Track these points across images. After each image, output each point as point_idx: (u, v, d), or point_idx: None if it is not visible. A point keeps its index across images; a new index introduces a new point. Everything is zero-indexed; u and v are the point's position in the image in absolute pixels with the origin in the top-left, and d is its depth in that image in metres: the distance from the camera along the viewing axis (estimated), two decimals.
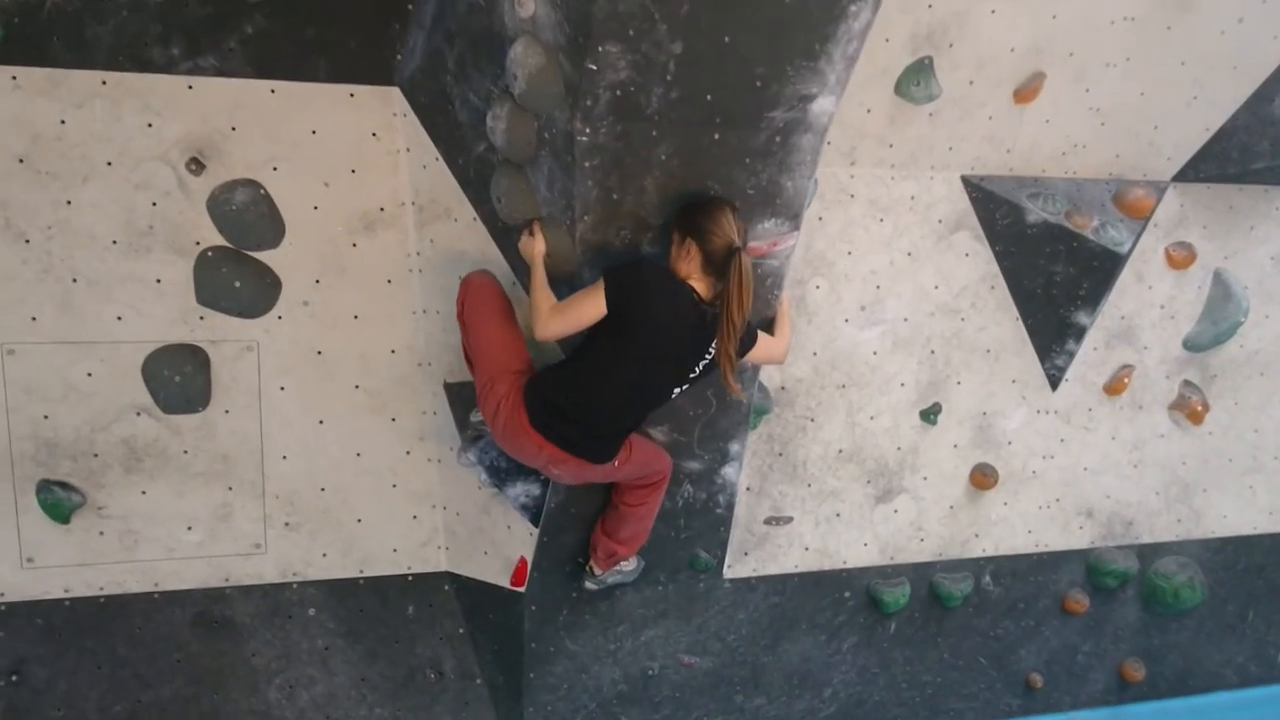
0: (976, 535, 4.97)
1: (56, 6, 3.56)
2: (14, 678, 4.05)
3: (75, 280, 3.82)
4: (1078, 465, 5.07)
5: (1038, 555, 5.10)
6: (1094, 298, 4.68)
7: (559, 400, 3.41)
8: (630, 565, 4.15)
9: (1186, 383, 5.15)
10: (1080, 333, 4.77)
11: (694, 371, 3.42)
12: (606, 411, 3.45)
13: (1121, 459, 5.14)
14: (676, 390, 3.47)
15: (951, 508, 4.89)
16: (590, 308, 3.27)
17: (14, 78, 3.60)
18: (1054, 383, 4.89)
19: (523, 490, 4.05)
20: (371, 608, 4.42)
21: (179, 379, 3.97)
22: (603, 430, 3.50)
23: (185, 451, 4.08)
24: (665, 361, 3.37)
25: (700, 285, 3.31)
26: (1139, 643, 5.45)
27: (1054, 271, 4.63)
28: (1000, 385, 4.83)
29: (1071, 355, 4.82)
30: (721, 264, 3.23)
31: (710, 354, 3.38)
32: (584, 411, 3.41)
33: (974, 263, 4.64)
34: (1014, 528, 5.03)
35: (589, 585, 4.12)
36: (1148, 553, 5.30)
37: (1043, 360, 4.85)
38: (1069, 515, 5.12)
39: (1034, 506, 5.04)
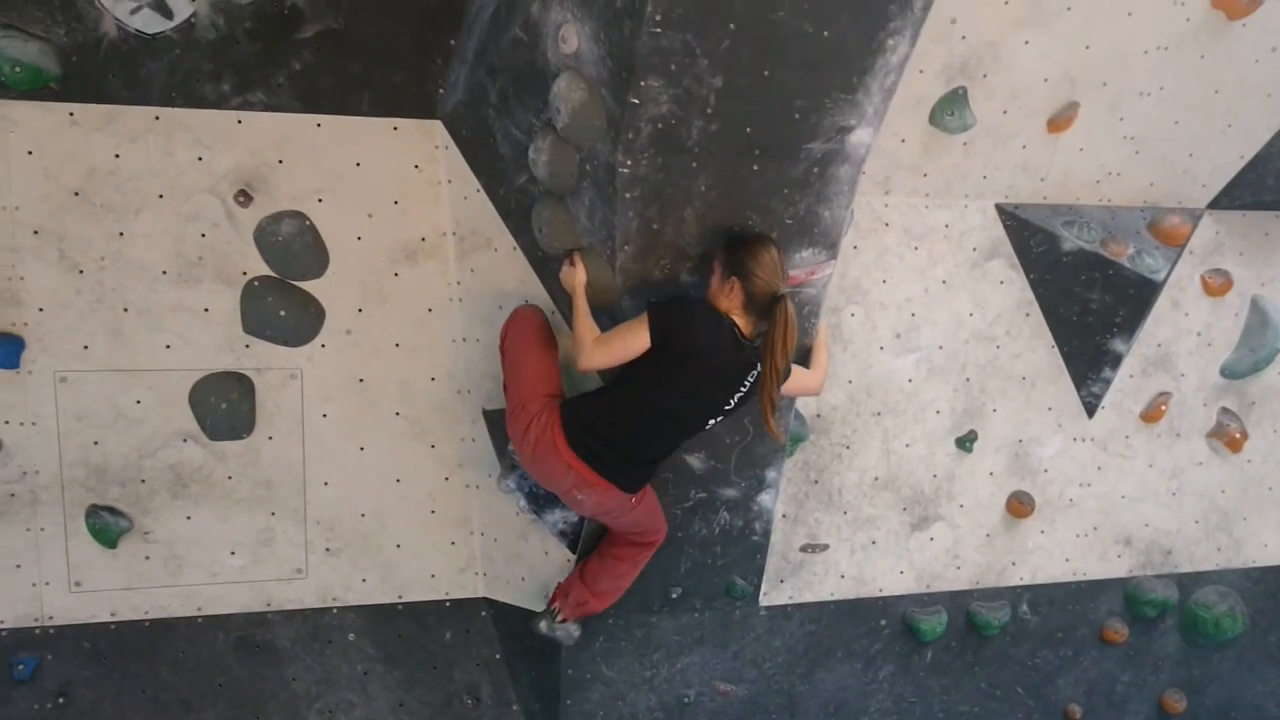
0: (1013, 563, 4.95)
1: (113, 45, 3.68)
2: (61, 700, 4.11)
3: (126, 310, 3.91)
4: (1115, 493, 5.04)
5: (1075, 584, 5.07)
6: (1130, 325, 4.68)
7: (597, 423, 3.46)
8: (578, 631, 4.13)
9: (1224, 410, 5.12)
10: (1116, 360, 4.76)
11: (730, 404, 3.46)
12: (643, 438, 3.51)
13: (1160, 487, 5.11)
14: (712, 421, 3.51)
15: (988, 535, 4.88)
16: (634, 340, 3.32)
17: (71, 114, 3.71)
18: (1090, 410, 4.88)
19: (560, 517, 4.09)
20: (410, 633, 4.46)
21: (225, 406, 4.05)
22: (637, 457, 3.55)
23: (229, 477, 4.15)
24: (704, 394, 3.42)
25: (741, 321, 3.36)
26: (1179, 673, 5.39)
27: (1089, 299, 4.64)
28: (1036, 413, 4.82)
29: (1108, 383, 4.81)
30: (765, 306, 3.29)
31: (746, 387, 3.42)
32: (621, 436, 3.47)
33: (1009, 290, 4.65)
34: (1051, 556, 5.00)
35: (540, 626, 4.07)
36: (1187, 582, 5.25)
37: (1079, 388, 4.84)
38: (1107, 544, 5.09)
39: (1071, 535, 5.01)
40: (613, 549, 3.95)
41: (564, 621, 4.07)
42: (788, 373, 3.36)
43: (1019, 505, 4.84)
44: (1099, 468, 4.98)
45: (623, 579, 4.00)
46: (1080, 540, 5.03)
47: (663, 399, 3.40)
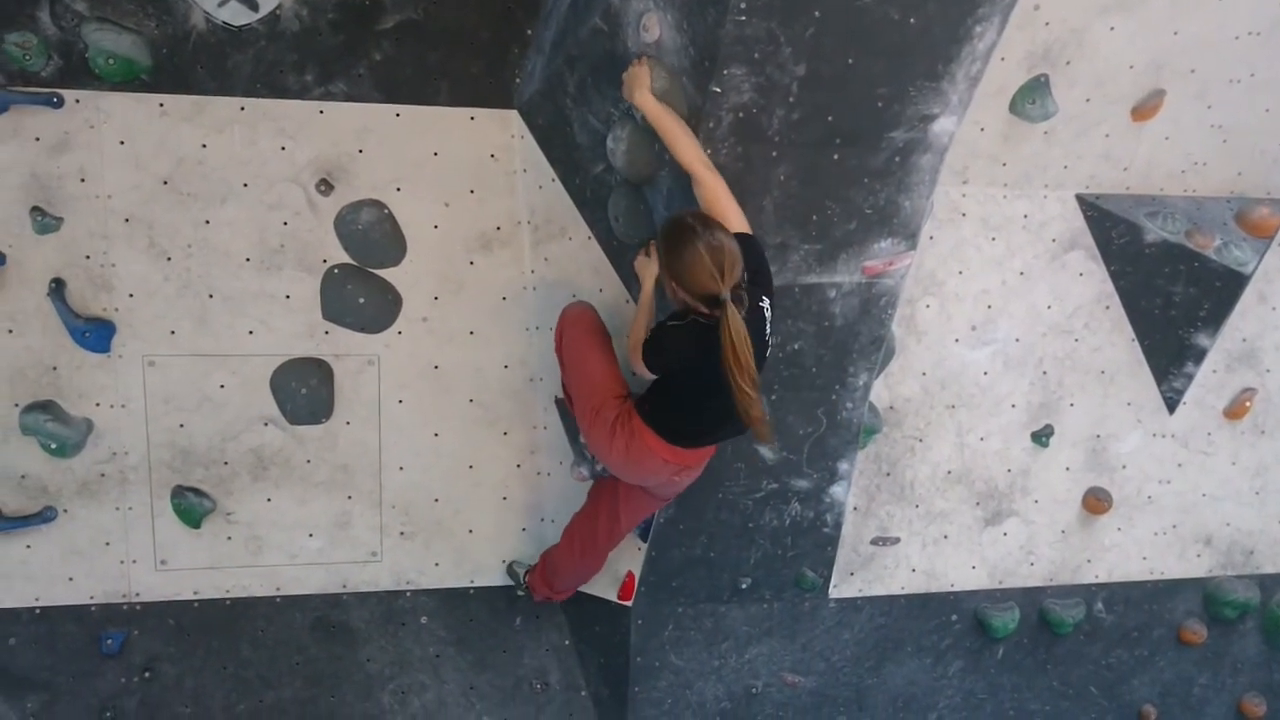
0: (1089, 561, 4.86)
1: (201, 37, 3.77)
2: (147, 674, 4.24)
3: (211, 296, 4.01)
4: (1196, 491, 4.92)
5: (1153, 583, 4.96)
6: (1215, 319, 4.56)
7: (673, 410, 3.34)
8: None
9: None
10: (1200, 355, 4.64)
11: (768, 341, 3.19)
12: (715, 409, 3.21)
13: (1242, 485, 4.97)
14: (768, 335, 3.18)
15: (1063, 532, 4.80)
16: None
17: (161, 105, 3.81)
18: (1171, 406, 4.77)
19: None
20: (481, 617, 4.52)
21: (305, 391, 4.13)
22: (723, 419, 3.22)
23: (308, 461, 4.23)
24: (721, 378, 3.01)
25: (704, 309, 3.00)
26: (1259, 677, 5.25)
27: (1173, 292, 4.53)
28: (1115, 408, 4.72)
29: (1190, 378, 4.69)
30: (711, 308, 2.93)
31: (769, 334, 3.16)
32: (697, 413, 3.32)
33: (1088, 282, 4.56)
34: (1128, 554, 4.90)
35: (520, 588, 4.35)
36: (1269, 583, 5.11)
37: (1159, 382, 4.73)
38: (1186, 542, 4.97)
39: (1149, 533, 4.90)
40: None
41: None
42: (755, 382, 2.96)
43: (1096, 502, 4.75)
44: (1179, 465, 4.87)
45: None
46: (1159, 538, 4.92)
47: (699, 396, 3.23)
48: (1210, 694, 5.22)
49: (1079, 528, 4.82)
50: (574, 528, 4.01)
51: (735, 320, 2.84)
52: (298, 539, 4.29)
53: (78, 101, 3.73)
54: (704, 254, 2.85)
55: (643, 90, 3.19)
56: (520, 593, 4.37)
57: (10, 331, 3.88)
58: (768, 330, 3.10)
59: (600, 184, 3.84)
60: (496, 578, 4.50)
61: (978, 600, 4.77)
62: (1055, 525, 4.78)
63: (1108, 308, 4.61)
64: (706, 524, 4.08)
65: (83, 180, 3.81)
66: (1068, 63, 4.13)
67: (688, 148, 3.05)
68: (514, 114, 4.06)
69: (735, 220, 3.04)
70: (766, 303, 3.06)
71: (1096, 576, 4.88)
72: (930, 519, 4.63)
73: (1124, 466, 4.80)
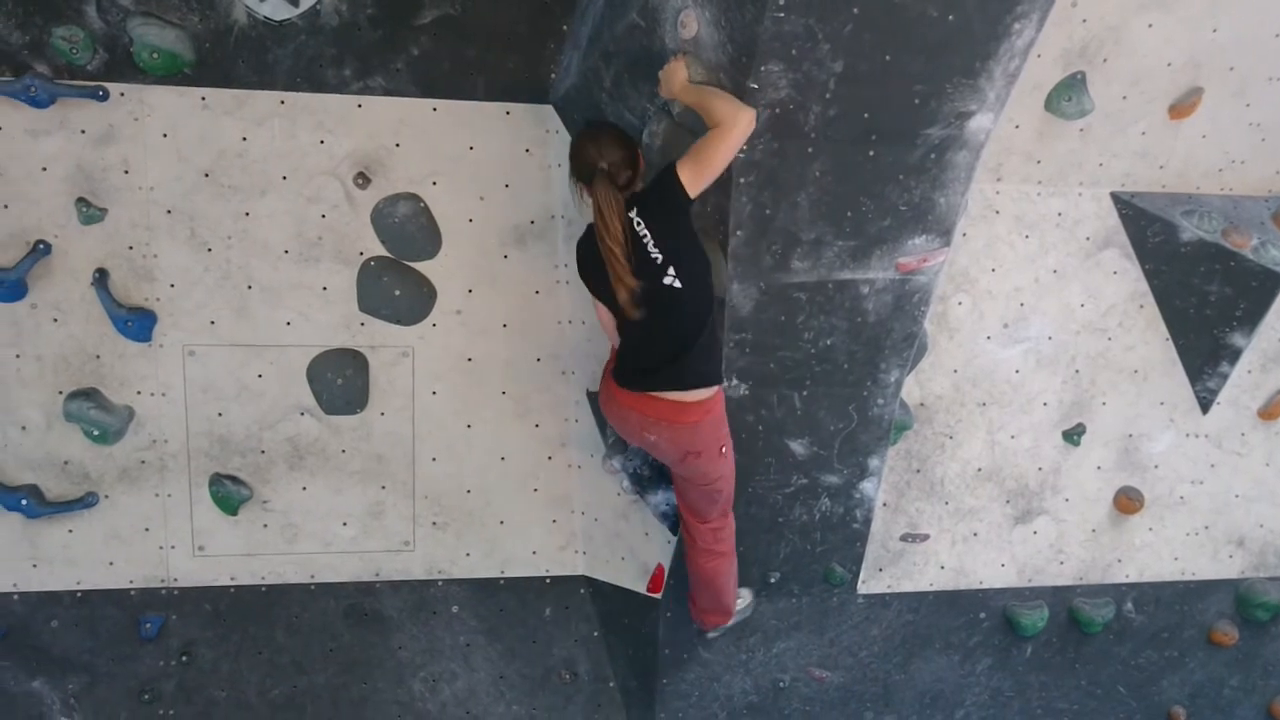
0: (1119, 560, 4.84)
1: (242, 32, 3.82)
2: (184, 658, 4.32)
3: (250, 287, 4.07)
4: (1228, 492, 4.88)
5: (1184, 584, 4.94)
6: (1251, 319, 4.52)
7: (624, 353, 3.55)
8: (743, 604, 4.22)
9: None
10: (1235, 355, 4.61)
11: (659, 260, 3.22)
12: (648, 336, 3.37)
13: (1276, 487, 4.93)
14: (667, 279, 3.23)
15: (1094, 531, 4.78)
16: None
17: (203, 98, 3.87)
18: (1205, 406, 4.74)
19: (663, 498, 4.13)
20: (511, 607, 4.57)
21: (340, 382, 4.19)
22: (661, 357, 3.38)
23: (343, 451, 4.29)
24: (633, 287, 3.24)
25: (601, 235, 3.22)
26: None
27: (1208, 291, 4.49)
28: (1147, 407, 4.70)
29: (1224, 378, 4.66)
30: (597, 198, 3.18)
31: (646, 237, 3.21)
32: (634, 347, 3.48)
33: (1123, 281, 4.54)
34: (1159, 554, 4.87)
35: (711, 635, 4.24)
36: None
37: (1193, 382, 4.70)
38: (1218, 543, 4.94)
39: (1181, 533, 4.88)
40: (695, 561, 3.97)
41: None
42: (626, 253, 3.17)
43: (1127, 501, 4.73)
44: (1212, 465, 4.84)
45: (715, 590, 4.03)
46: (1190, 539, 4.89)
47: (630, 318, 3.34)
48: (1241, 696, 5.19)
49: (1110, 527, 4.80)
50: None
51: (603, 189, 3.18)
52: (332, 527, 4.35)
53: (122, 95, 3.79)
54: (587, 138, 3.33)
55: (681, 82, 3.22)
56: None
57: (55, 320, 3.96)
58: (656, 258, 3.23)
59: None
60: (527, 568, 4.54)
61: (1007, 598, 4.76)
62: (1086, 524, 4.77)
63: (1142, 306, 4.58)
64: (736, 518, 4.09)
65: (126, 172, 3.87)
66: (1105, 60, 4.11)
67: (726, 103, 3.09)
68: (549, 109, 4.09)
69: (702, 162, 3.12)
70: (644, 229, 3.23)
71: (1127, 576, 4.86)
72: (960, 516, 4.62)
73: (1156, 466, 4.78)
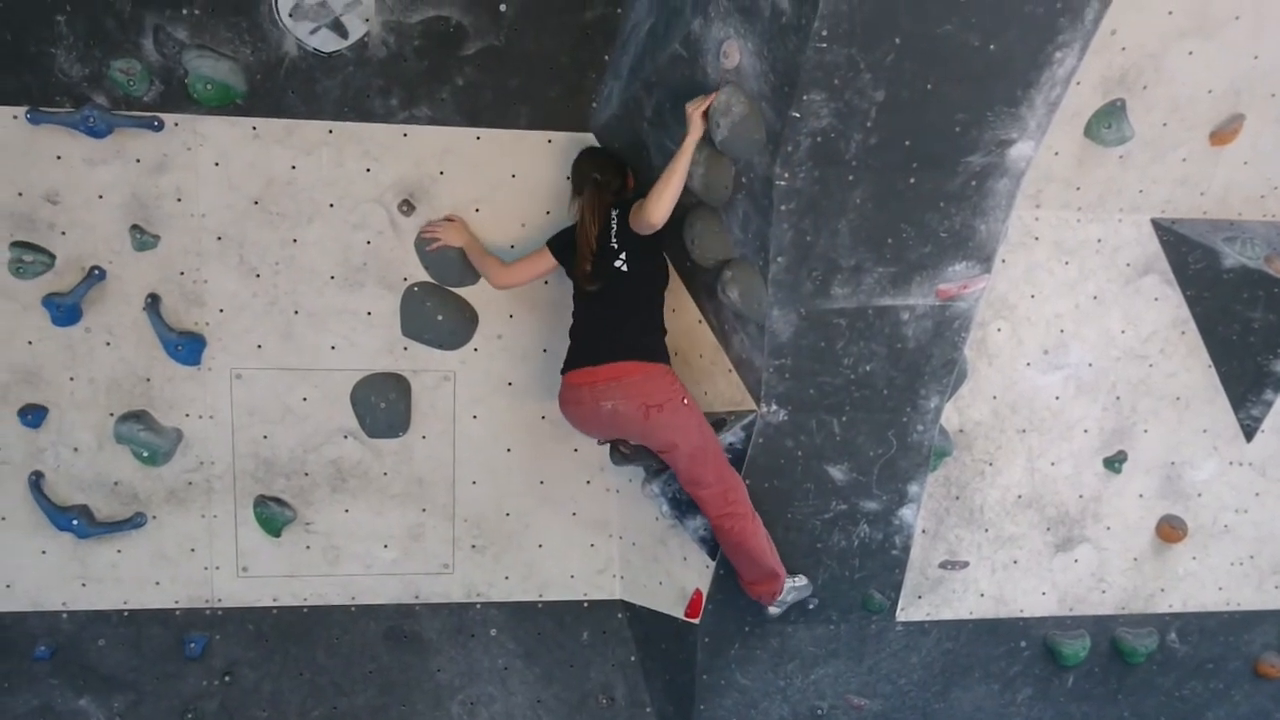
0: (1162, 589, 4.78)
1: (293, 63, 3.91)
2: (227, 678, 4.37)
3: (296, 312, 4.14)
4: (1273, 521, 4.82)
5: (1229, 614, 4.86)
6: None
7: (573, 343, 3.91)
8: (800, 582, 4.16)
9: None
10: (1279, 382, 4.56)
11: (615, 247, 3.81)
12: (591, 315, 3.87)
13: None
14: (618, 264, 3.80)
15: (1136, 559, 4.73)
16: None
17: (254, 128, 3.96)
18: (1249, 433, 4.69)
19: (702, 523, 4.14)
20: (549, 631, 4.58)
21: (383, 405, 4.25)
22: (600, 330, 3.83)
23: (385, 474, 4.34)
24: (588, 270, 3.83)
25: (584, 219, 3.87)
26: None
27: (1251, 318, 4.46)
28: (1190, 434, 4.66)
29: (1269, 405, 4.61)
30: (590, 198, 3.86)
31: (614, 229, 3.83)
32: (580, 327, 3.90)
33: (1164, 307, 4.51)
34: (1203, 583, 4.81)
35: (773, 610, 4.15)
36: None
37: (1236, 410, 4.66)
38: (1264, 573, 4.86)
39: (1225, 562, 4.81)
40: (718, 538, 4.00)
41: (772, 605, 4.13)
42: (598, 249, 3.80)
43: (1170, 529, 4.68)
44: (1257, 494, 4.77)
45: (747, 557, 3.96)
46: (1235, 569, 4.83)
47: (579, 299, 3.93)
48: None
49: (1152, 556, 4.75)
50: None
51: (592, 196, 3.87)
52: (373, 550, 4.40)
53: (176, 125, 3.90)
54: (584, 157, 4.03)
55: (696, 133, 3.47)
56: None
57: (108, 344, 4.05)
58: (614, 246, 3.84)
59: (676, 206, 3.89)
60: (565, 592, 4.56)
61: (1047, 627, 4.72)
62: (1128, 552, 4.72)
63: (1183, 333, 4.55)
64: (775, 544, 4.10)
65: (179, 200, 3.97)
66: (1144, 87, 4.11)
67: (672, 188, 3.56)
68: (590, 137, 4.15)
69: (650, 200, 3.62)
70: (615, 216, 3.87)
71: (1170, 606, 4.80)
72: (1000, 543, 4.59)
73: (1199, 494, 4.73)
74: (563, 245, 3.97)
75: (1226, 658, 4.92)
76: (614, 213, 3.88)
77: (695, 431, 3.81)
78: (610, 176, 3.96)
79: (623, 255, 3.81)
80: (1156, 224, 4.43)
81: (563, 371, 3.93)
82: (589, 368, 3.80)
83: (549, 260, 4.00)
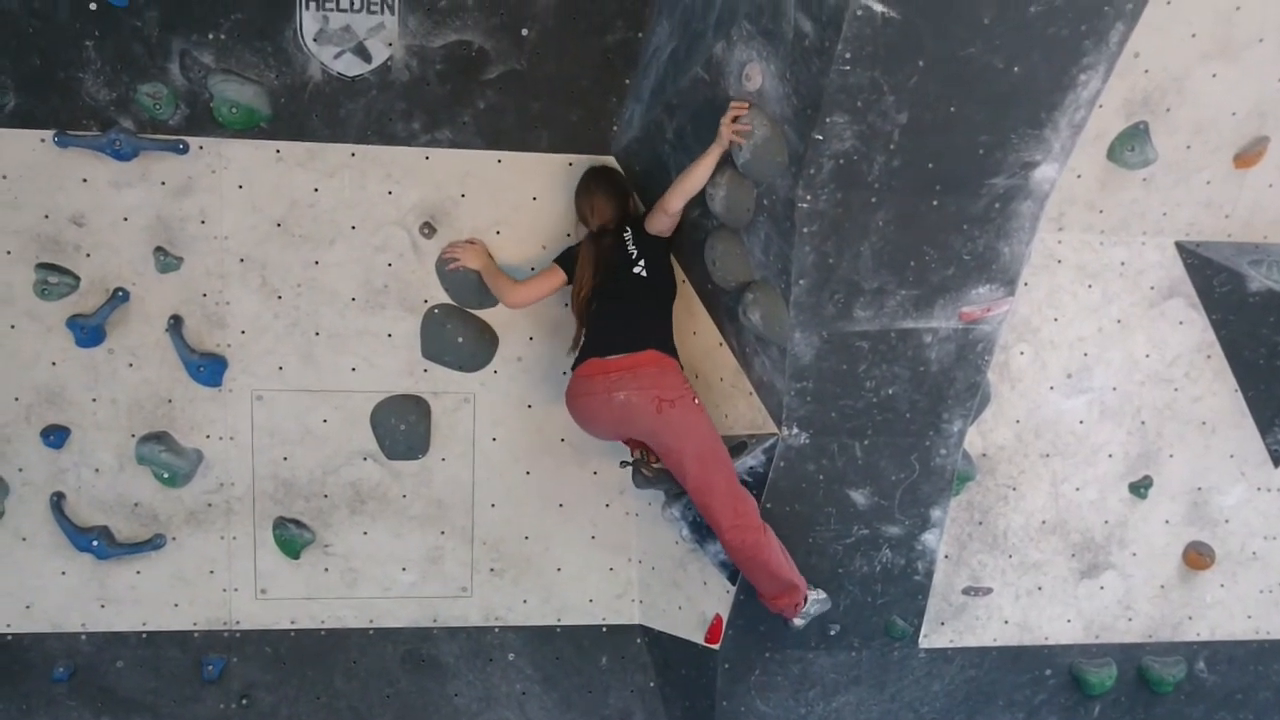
0: (1190, 617, 4.71)
1: (317, 87, 3.95)
2: (244, 701, 4.35)
3: (318, 334, 4.15)
4: None
5: (1258, 643, 4.78)
6: None
7: (587, 341, 3.91)
8: (820, 595, 4.06)
9: None
10: None
11: (634, 255, 3.87)
12: (603, 312, 3.89)
13: None
14: (637, 271, 3.87)
15: (1163, 587, 4.66)
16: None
17: (278, 151, 3.99)
18: (1276, 459, 4.62)
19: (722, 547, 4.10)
20: (567, 656, 4.55)
21: (403, 427, 4.24)
22: (613, 325, 3.85)
23: (404, 496, 4.33)
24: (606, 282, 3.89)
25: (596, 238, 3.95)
26: None
27: (1278, 342, 4.41)
28: (1217, 459, 4.60)
29: None
30: (596, 219, 3.96)
31: (629, 239, 3.90)
32: (602, 328, 3.87)
33: (1189, 331, 4.47)
34: (1232, 612, 4.73)
35: (796, 623, 4.02)
36: None
37: (1264, 434, 4.60)
38: None
39: (1254, 590, 4.74)
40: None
41: (795, 619, 4.00)
42: (591, 298, 3.89)
43: (1197, 556, 4.61)
44: None
45: (760, 572, 3.89)
46: (1264, 596, 4.75)
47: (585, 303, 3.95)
48: None
49: (1179, 583, 4.68)
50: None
51: (596, 247, 3.93)
52: (392, 572, 4.38)
53: (201, 148, 3.93)
54: (593, 190, 4.02)
55: (722, 144, 3.48)
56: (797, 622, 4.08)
57: (130, 365, 4.07)
58: (632, 254, 3.90)
59: (696, 228, 3.90)
60: (583, 616, 4.53)
61: (1073, 655, 4.65)
62: (1154, 579, 4.65)
63: (1209, 357, 4.51)
64: (798, 568, 4.06)
65: (203, 222, 4.00)
66: (1168, 109, 4.10)
67: (690, 183, 3.65)
68: (611, 160, 4.16)
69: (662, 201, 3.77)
70: (629, 233, 3.94)
71: (1198, 634, 4.73)
72: (1024, 569, 4.54)
73: (1227, 521, 4.66)
74: (572, 261, 4.00)
75: (1256, 687, 4.83)
76: (626, 229, 3.94)
77: (706, 433, 3.80)
78: (609, 218, 3.97)
79: (641, 263, 3.87)
80: (1181, 247, 4.40)
81: (573, 367, 3.92)
82: (602, 359, 3.81)
83: (560, 276, 4.01)
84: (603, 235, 3.94)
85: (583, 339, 3.94)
